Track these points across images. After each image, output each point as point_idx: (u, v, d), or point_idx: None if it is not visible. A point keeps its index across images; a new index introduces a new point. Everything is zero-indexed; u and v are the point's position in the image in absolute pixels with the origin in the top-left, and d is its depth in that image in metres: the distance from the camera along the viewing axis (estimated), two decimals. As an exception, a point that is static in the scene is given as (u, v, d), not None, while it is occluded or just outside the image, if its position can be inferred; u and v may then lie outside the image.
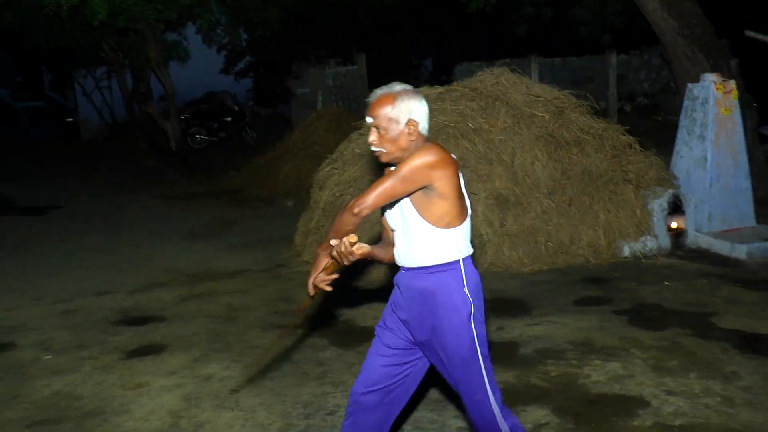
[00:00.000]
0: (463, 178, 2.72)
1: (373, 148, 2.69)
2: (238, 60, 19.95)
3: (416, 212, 2.65)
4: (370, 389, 2.83)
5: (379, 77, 18.83)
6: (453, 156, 2.63)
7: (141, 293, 6.47)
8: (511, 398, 3.86)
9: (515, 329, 5.10)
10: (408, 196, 2.64)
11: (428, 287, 2.69)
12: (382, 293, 5.86)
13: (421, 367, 2.90)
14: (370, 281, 6.38)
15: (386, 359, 2.84)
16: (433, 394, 4.05)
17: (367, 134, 2.80)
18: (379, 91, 2.68)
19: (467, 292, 2.69)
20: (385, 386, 2.83)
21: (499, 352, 4.56)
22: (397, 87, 2.67)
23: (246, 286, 6.56)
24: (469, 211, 2.75)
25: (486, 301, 2.83)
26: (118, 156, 17.69)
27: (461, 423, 3.69)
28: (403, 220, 2.73)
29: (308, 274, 2.77)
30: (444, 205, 2.61)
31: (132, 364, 4.79)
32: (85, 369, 4.73)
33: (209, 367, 4.64)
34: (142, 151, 17.63)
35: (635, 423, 3.62)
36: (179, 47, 15.82)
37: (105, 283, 6.84)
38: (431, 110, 6.91)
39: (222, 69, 19.99)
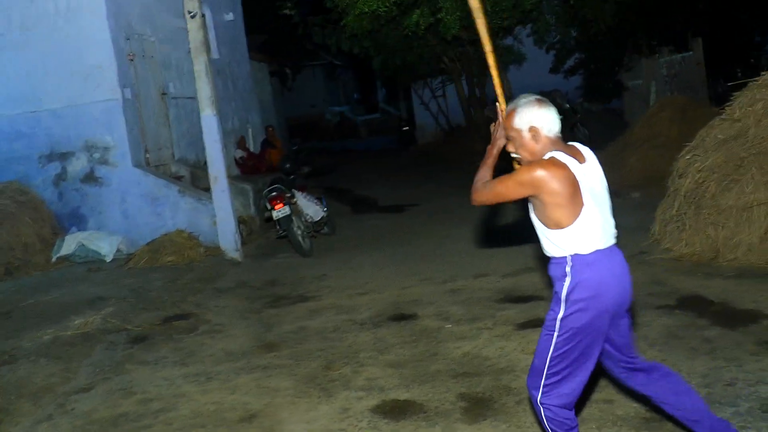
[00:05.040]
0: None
1: (513, 155, 3.17)
2: (566, 58, 20.23)
3: (533, 214, 3.10)
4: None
5: (717, 62, 17.85)
6: (564, 166, 2.91)
7: (515, 276, 7.10)
8: None
9: None
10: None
11: (550, 273, 3.14)
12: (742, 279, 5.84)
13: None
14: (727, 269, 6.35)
15: None
16: None
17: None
18: (509, 107, 3.11)
19: (566, 285, 3.00)
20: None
21: None
22: (521, 101, 3.06)
23: (613, 271, 6.84)
24: (585, 218, 2.97)
25: None
26: (455, 158, 18.98)
27: None
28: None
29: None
30: (555, 212, 2.96)
31: (526, 334, 5.36)
32: (484, 336, 5.42)
33: (598, 340, 5.03)
34: (479, 153, 18.64)
35: None
36: (516, 51, 16.56)
37: (480, 267, 7.62)
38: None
39: (551, 68, 20.43)
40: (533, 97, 3.07)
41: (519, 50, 16.78)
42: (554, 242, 3.04)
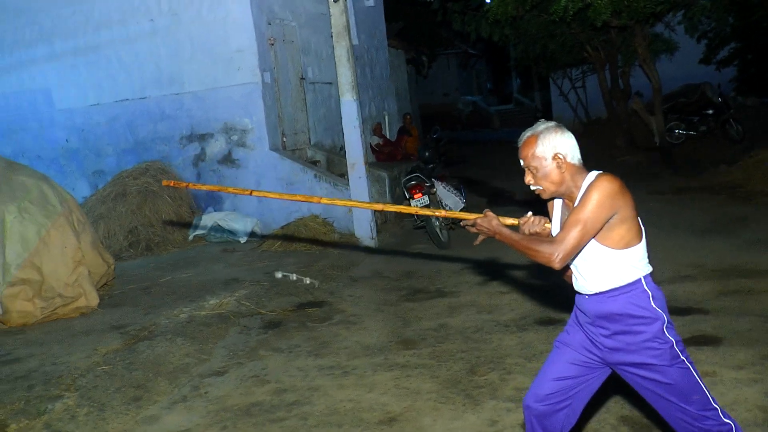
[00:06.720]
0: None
1: (532, 187, 2.82)
2: (720, 48, 18.69)
3: (594, 240, 2.68)
4: (543, 402, 2.87)
5: None
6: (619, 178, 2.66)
7: (670, 284, 6.48)
8: None
9: None
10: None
11: (615, 310, 2.72)
12: None
13: (594, 383, 2.94)
14: None
15: (563, 374, 2.89)
16: None
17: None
18: (524, 134, 2.80)
19: (655, 306, 2.70)
20: (557, 401, 2.87)
21: None
22: (540, 127, 2.77)
23: (790, 285, 6.11)
24: (644, 232, 2.77)
25: None
26: (594, 152, 18.06)
27: None
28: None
29: None
30: (623, 228, 2.66)
31: (691, 352, 4.78)
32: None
33: (783, 365, 4.42)
34: (620, 147, 17.69)
35: None
36: (667, 40, 15.48)
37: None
38: None
39: (701, 59, 18.97)
40: (551, 123, 2.81)
41: (670, 38, 15.65)
42: (626, 264, 2.73)
